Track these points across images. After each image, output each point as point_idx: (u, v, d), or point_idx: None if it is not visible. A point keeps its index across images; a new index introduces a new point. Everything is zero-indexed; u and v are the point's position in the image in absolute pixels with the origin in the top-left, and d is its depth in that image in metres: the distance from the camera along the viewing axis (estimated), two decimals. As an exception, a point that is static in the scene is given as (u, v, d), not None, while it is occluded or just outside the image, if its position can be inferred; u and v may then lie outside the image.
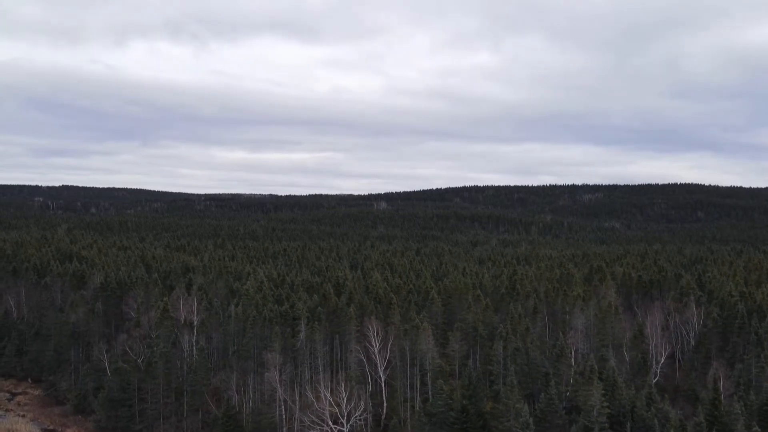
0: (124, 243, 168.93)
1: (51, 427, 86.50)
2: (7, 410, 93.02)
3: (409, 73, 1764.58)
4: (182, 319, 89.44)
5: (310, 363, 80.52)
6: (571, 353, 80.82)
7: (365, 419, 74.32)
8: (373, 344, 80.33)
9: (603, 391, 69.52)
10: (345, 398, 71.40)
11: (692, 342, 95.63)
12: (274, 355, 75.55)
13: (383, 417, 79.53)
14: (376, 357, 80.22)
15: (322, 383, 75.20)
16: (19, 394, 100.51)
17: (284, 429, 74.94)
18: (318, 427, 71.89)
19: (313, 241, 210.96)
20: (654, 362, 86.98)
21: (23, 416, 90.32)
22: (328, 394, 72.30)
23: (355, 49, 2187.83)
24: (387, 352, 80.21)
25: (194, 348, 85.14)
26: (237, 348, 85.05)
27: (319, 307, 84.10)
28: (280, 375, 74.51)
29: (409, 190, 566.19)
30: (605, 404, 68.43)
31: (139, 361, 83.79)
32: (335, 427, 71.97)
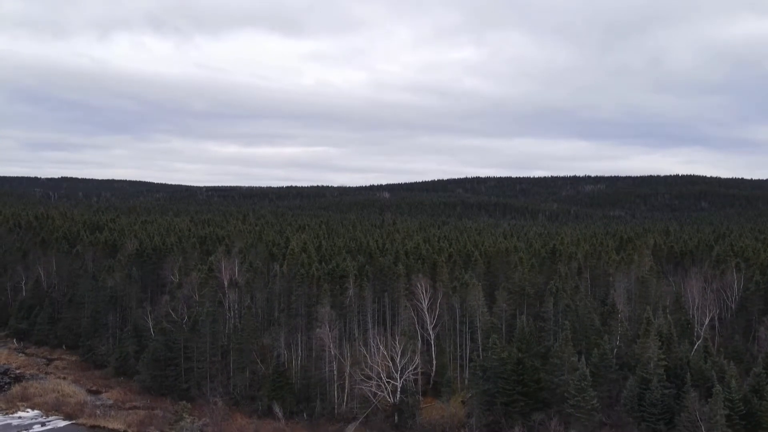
0: (147, 219, 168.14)
1: (94, 388, 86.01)
2: (46, 373, 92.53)
3: (393, 67, 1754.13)
4: (225, 280, 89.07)
5: (359, 320, 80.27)
6: (617, 312, 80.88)
7: (416, 375, 74.06)
8: (422, 302, 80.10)
9: (659, 344, 69.69)
10: (399, 352, 71.18)
11: (732, 307, 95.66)
12: (326, 310, 75.18)
13: (432, 374, 79.35)
14: (425, 314, 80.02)
15: (373, 338, 74.99)
16: (56, 359, 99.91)
17: (335, 385, 74.59)
18: (370, 382, 71.66)
19: (330, 222, 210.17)
20: (696, 324, 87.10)
21: (64, 378, 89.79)
22: (382, 347, 72.06)
23: (338, 44, 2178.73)
24: (436, 309, 80.00)
25: (239, 307, 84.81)
26: (284, 306, 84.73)
27: (367, 266, 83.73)
28: (331, 330, 74.14)
29: (409, 181, 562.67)
30: (662, 356, 68.51)
31: (183, 322, 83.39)
32: (389, 381, 71.71)
